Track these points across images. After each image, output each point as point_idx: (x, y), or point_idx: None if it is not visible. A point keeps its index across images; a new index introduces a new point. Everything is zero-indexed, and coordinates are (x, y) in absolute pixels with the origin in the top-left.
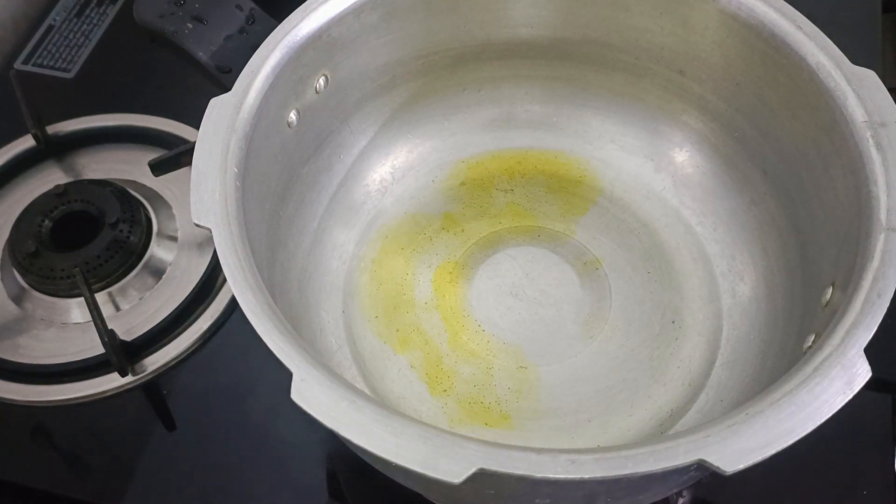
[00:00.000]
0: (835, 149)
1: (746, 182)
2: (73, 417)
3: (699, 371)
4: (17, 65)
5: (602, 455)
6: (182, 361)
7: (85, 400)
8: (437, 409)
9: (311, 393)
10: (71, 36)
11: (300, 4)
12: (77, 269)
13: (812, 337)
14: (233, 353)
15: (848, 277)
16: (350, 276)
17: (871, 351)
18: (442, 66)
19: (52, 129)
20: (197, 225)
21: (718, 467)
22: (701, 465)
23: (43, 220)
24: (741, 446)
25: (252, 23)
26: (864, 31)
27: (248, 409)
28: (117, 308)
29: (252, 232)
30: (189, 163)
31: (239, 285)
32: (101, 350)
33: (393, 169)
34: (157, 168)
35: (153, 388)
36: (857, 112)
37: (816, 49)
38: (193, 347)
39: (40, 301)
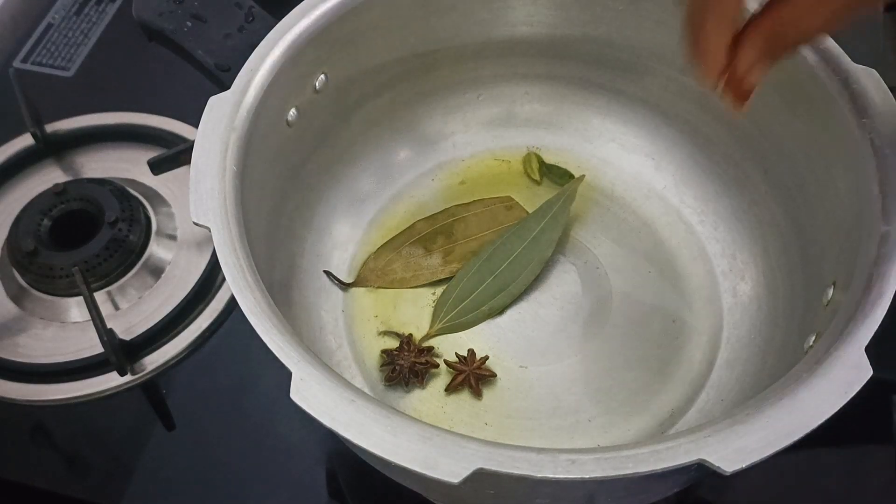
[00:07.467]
0: (835, 148)
1: (747, 181)
2: (72, 417)
3: (699, 371)
4: (16, 63)
5: (602, 455)
6: (181, 361)
7: (84, 399)
8: (437, 409)
9: (310, 392)
10: (70, 34)
11: (299, 2)
12: (76, 267)
13: (813, 336)
14: (232, 352)
15: (849, 277)
16: (350, 274)
17: (872, 350)
18: (442, 65)
19: (50, 127)
20: (196, 224)
21: (719, 467)
22: (701, 465)
23: (42, 219)
24: (741, 446)
25: (251, 21)
26: (865, 29)
27: (247, 408)
28: (116, 307)
29: (251, 231)
30: (188, 161)
31: (238, 284)
32: (100, 349)
33: (392, 168)
34: (157, 167)
35: (152, 388)
36: (858, 111)
37: (817, 47)
38: (193, 347)
39: (39, 300)
